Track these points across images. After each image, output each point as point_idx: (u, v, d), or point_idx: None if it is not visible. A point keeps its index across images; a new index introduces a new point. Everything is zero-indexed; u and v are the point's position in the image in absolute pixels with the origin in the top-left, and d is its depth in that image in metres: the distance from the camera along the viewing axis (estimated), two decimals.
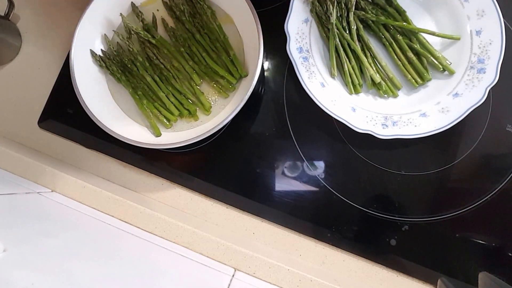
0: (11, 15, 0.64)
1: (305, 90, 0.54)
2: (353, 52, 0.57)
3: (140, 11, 0.60)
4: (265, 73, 0.61)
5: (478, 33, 0.54)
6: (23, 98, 0.64)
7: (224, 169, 0.59)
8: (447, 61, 0.55)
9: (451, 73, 0.55)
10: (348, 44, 0.57)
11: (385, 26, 0.57)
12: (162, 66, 0.59)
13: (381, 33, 0.58)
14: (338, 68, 0.58)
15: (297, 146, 0.58)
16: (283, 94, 0.60)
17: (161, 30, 0.61)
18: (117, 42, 0.60)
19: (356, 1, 0.56)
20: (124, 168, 0.61)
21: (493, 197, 0.55)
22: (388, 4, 0.57)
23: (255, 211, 0.57)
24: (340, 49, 0.57)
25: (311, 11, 0.58)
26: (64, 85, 0.62)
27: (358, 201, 0.56)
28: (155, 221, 0.52)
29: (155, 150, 0.59)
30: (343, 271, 0.55)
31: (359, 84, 0.57)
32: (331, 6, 0.56)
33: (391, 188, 0.57)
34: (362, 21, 0.58)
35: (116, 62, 0.59)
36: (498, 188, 0.56)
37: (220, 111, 0.58)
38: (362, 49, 0.57)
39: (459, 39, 0.56)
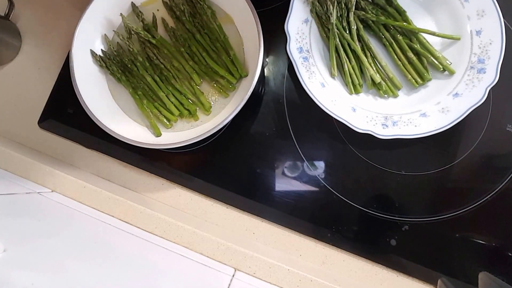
0: (11, 15, 0.64)
1: (305, 90, 0.54)
2: (353, 52, 0.57)
3: (140, 11, 0.60)
4: (265, 73, 0.61)
5: (478, 33, 0.55)
6: (23, 98, 0.64)
7: (224, 169, 0.59)
8: (447, 61, 0.55)
9: (451, 73, 0.55)
10: (348, 44, 0.57)
11: (385, 26, 0.57)
12: (162, 66, 0.59)
13: (381, 33, 0.58)
14: (338, 68, 0.58)
15: (297, 146, 0.58)
16: (283, 94, 0.60)
17: (161, 30, 0.61)
18: (117, 42, 0.60)
19: (356, 1, 0.56)
20: (124, 168, 0.61)
21: (493, 197, 0.55)
22: (388, 4, 0.57)
23: (255, 211, 0.57)
24: (340, 49, 0.57)
25: (311, 11, 0.58)
26: (64, 85, 0.62)
27: (358, 201, 0.56)
28: (155, 221, 0.52)
29: (155, 150, 0.59)
30: (343, 271, 0.55)
31: (359, 84, 0.57)
32: (331, 6, 0.56)
33: (391, 188, 0.57)
34: (362, 21, 0.58)
35: (116, 62, 0.59)
36: (498, 188, 0.56)
37: (220, 111, 0.58)
38: (362, 49, 0.57)
39: (459, 39, 0.56)
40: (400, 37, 0.57)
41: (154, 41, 0.58)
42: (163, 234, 0.52)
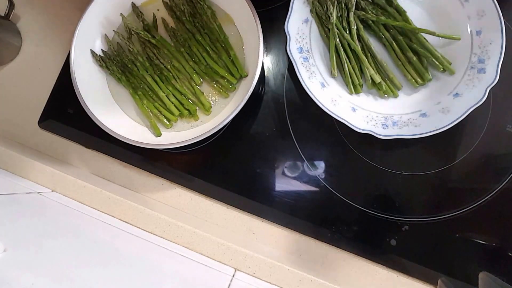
0: (11, 15, 0.64)
1: (305, 90, 0.54)
2: (353, 52, 0.57)
3: (140, 11, 0.60)
4: (265, 73, 0.61)
5: (478, 33, 0.55)
6: (23, 98, 0.64)
7: (224, 169, 0.59)
8: (447, 61, 0.55)
9: (451, 73, 0.55)
10: (348, 44, 0.57)
11: (385, 26, 0.57)
12: (163, 66, 0.59)
13: (381, 33, 0.58)
14: (338, 68, 0.58)
15: (297, 146, 0.58)
16: (283, 94, 0.60)
17: (161, 30, 0.61)
18: (118, 42, 0.60)
19: (356, 1, 0.56)
20: (124, 168, 0.61)
21: (493, 197, 0.55)
22: (388, 4, 0.57)
23: (255, 211, 0.57)
24: (340, 49, 0.57)
25: (311, 11, 0.58)
26: (64, 85, 0.62)
27: (358, 201, 0.56)
28: (156, 221, 0.52)
29: (155, 150, 0.59)
30: (343, 271, 0.55)
31: (359, 84, 0.57)
32: (331, 6, 0.56)
33: (391, 188, 0.57)
34: (362, 21, 0.58)
35: (116, 62, 0.59)
36: (498, 188, 0.56)
37: (220, 111, 0.58)
38: (362, 49, 0.57)
39: (459, 39, 0.56)
40: (400, 37, 0.57)
41: (154, 41, 0.58)
42: (163, 234, 0.52)
